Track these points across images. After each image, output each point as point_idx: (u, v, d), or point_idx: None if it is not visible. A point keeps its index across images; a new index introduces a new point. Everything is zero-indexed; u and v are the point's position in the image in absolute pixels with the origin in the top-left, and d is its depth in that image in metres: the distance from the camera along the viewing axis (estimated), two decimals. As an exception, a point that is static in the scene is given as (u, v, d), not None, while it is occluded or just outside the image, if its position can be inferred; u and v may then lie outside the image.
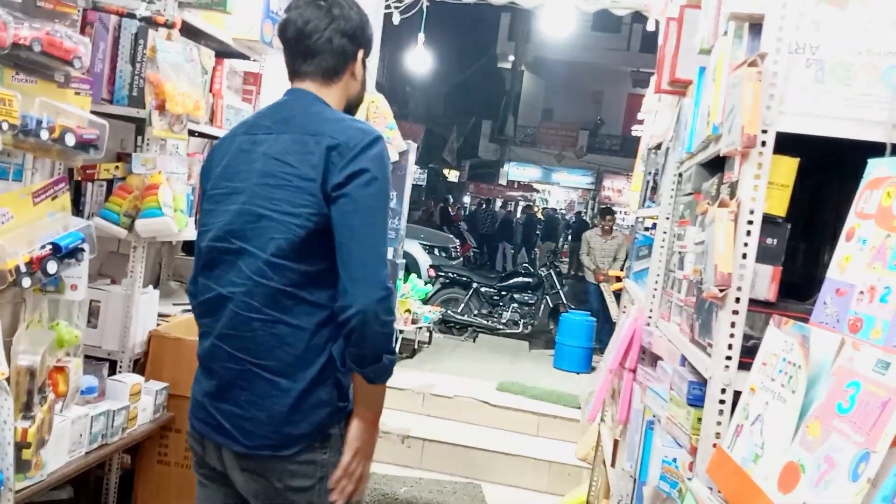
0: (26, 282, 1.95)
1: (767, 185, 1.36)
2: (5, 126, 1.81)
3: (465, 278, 7.85)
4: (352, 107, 1.78)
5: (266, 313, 1.57)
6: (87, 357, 2.40)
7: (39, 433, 2.01)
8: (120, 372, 2.66)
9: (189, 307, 3.23)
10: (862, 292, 1.11)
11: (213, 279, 1.65)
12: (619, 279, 4.15)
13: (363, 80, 1.78)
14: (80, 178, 2.63)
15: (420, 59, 8.54)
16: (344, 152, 1.54)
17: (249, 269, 1.58)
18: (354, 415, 1.63)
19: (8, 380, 1.90)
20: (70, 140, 2.06)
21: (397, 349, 5.64)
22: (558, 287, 7.61)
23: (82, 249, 2.14)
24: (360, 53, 1.74)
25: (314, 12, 1.68)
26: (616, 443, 2.66)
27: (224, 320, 1.61)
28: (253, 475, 1.63)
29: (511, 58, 24.49)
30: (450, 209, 19.34)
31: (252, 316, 1.57)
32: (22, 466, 1.97)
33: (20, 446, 1.95)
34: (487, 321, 7.50)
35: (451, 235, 13.23)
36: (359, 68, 1.75)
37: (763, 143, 1.35)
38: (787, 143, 1.37)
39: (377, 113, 4.87)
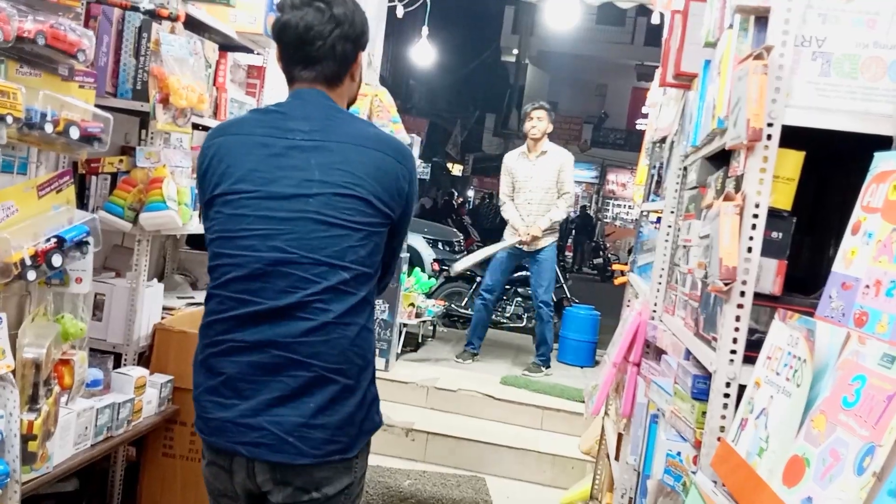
0: (31, 275, 1.95)
1: (773, 179, 1.35)
2: (10, 119, 1.82)
3: (468, 272, 7.84)
4: (348, 106, 1.76)
5: (343, 319, 1.54)
6: (92, 350, 2.41)
7: (45, 425, 2.02)
8: (125, 365, 2.67)
9: (193, 301, 3.26)
10: (867, 286, 1.11)
11: (252, 292, 1.53)
12: (623, 272, 4.07)
13: (360, 78, 1.73)
14: (84, 172, 2.63)
15: (424, 53, 8.51)
16: (404, 172, 1.64)
17: (324, 277, 1.52)
18: None
19: (13, 372, 1.91)
20: (74, 133, 2.06)
21: (401, 343, 5.64)
22: (562, 281, 7.56)
23: (87, 242, 2.14)
24: (360, 55, 1.68)
25: (315, 16, 1.56)
26: (620, 436, 2.66)
27: (282, 329, 1.52)
28: (287, 488, 1.55)
29: (515, 51, 24.41)
30: (454, 203, 19.33)
31: (329, 321, 1.53)
32: (28, 458, 1.98)
33: (26, 438, 1.96)
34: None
35: (454, 229, 13.23)
36: (357, 69, 1.69)
37: (769, 137, 1.34)
38: (792, 137, 1.36)
39: (381, 107, 4.84)
